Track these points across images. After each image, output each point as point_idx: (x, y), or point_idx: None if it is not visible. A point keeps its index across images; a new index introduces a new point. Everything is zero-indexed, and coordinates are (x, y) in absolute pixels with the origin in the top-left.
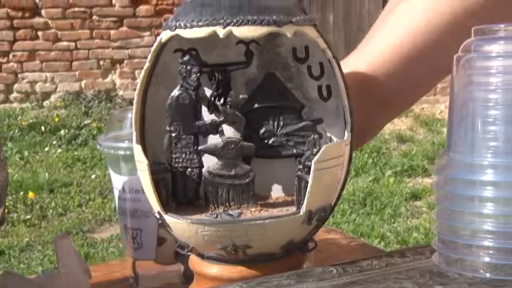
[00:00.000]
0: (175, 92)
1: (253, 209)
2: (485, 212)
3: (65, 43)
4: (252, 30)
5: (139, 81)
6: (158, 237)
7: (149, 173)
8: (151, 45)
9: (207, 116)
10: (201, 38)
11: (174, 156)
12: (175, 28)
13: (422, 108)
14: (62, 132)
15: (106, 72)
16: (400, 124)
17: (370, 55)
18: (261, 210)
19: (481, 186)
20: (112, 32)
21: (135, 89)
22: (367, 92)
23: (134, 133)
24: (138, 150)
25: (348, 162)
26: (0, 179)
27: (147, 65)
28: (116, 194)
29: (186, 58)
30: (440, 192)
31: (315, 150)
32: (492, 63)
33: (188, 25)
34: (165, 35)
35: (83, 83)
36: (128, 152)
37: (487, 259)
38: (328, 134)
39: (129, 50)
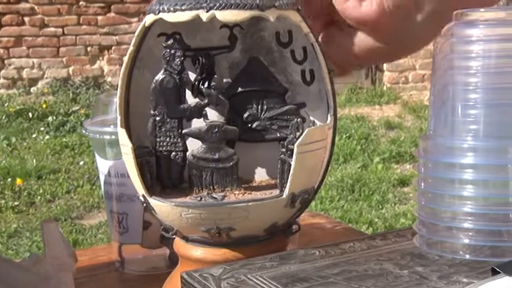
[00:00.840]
0: (159, 76)
1: (236, 192)
2: (465, 195)
3: (52, 29)
4: (235, 14)
5: (123, 65)
6: (144, 222)
7: (133, 156)
8: None
9: (191, 100)
10: (184, 21)
11: (158, 140)
12: (159, 12)
13: (411, 94)
14: (50, 118)
15: (94, 59)
16: (388, 111)
17: None
18: (245, 193)
19: (461, 169)
20: (99, 18)
21: None
22: None
23: (119, 117)
24: (122, 133)
25: (331, 145)
26: None
27: (131, 49)
28: (102, 178)
29: (169, 42)
30: (421, 175)
31: (298, 133)
32: (472, 47)
33: (171, 9)
34: (148, 19)
35: (70, 69)
36: (113, 137)
37: (466, 241)
38: (312, 118)
39: (117, 36)
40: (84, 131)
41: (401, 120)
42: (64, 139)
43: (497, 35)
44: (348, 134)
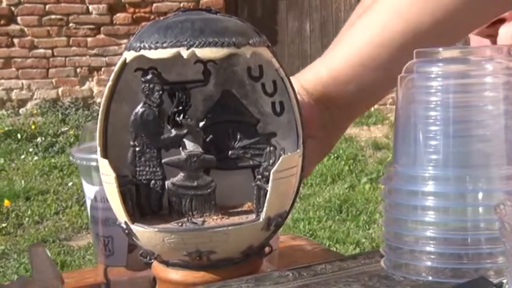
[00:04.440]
0: (139, 109)
1: (215, 217)
2: (426, 220)
3: (42, 50)
4: (214, 52)
5: (103, 98)
6: (129, 244)
7: (117, 185)
8: None
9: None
10: (165, 58)
11: (138, 169)
12: (140, 49)
13: None
14: (39, 139)
15: (83, 80)
16: (376, 131)
17: (333, 61)
18: (222, 218)
19: (422, 196)
20: (89, 39)
21: None
22: (329, 94)
23: (98, 148)
24: (104, 163)
25: (301, 172)
26: None
27: (109, 83)
28: (88, 203)
29: (148, 77)
30: (386, 202)
31: (271, 161)
32: (432, 83)
33: (153, 46)
34: (129, 56)
35: (59, 90)
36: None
37: (429, 263)
38: (282, 146)
39: (107, 58)
40: (71, 158)
41: (388, 140)
42: (53, 160)
43: (454, 72)
44: (336, 155)
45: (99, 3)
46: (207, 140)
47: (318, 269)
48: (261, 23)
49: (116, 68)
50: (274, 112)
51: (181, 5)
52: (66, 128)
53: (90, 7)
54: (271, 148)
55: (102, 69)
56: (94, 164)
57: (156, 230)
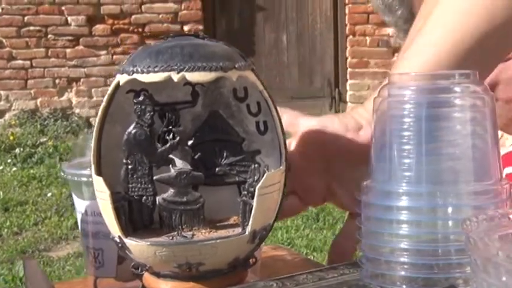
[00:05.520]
0: (132, 129)
1: (203, 231)
2: (401, 233)
3: (20, 61)
4: (203, 75)
5: (97, 119)
6: (118, 256)
7: (111, 202)
8: (108, 64)
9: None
10: (156, 82)
11: (130, 185)
12: (133, 73)
13: None
14: (17, 150)
15: (62, 91)
16: None
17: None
18: (210, 231)
19: (397, 210)
20: (68, 50)
21: (91, 107)
22: None
23: (93, 166)
24: (99, 181)
25: (283, 187)
26: None
27: (103, 104)
28: (79, 217)
29: (141, 99)
30: (363, 215)
31: (256, 177)
32: (405, 106)
33: (145, 70)
34: (122, 79)
35: (38, 101)
36: (90, 179)
37: (403, 273)
38: (266, 163)
39: (86, 69)
40: (62, 173)
41: None
42: (31, 171)
43: (425, 96)
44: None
45: (78, 15)
46: (196, 157)
47: (300, 278)
48: (239, 34)
49: (109, 90)
50: (258, 131)
51: (160, 16)
52: (45, 139)
53: (69, 18)
54: (256, 165)
55: (81, 80)
56: (84, 179)
57: (148, 243)
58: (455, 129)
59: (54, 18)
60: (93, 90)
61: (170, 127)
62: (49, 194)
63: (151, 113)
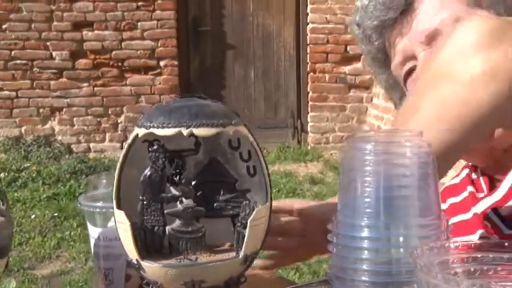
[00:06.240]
0: (147, 172)
1: (205, 255)
2: (363, 257)
3: (6, 92)
4: (206, 131)
5: (118, 163)
6: (126, 275)
7: (131, 232)
8: (89, 95)
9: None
10: (170, 135)
11: (145, 218)
12: (150, 127)
13: (331, 154)
14: (2, 175)
15: (45, 119)
16: (312, 168)
17: None
18: (211, 255)
19: (360, 240)
20: (52, 82)
21: (72, 135)
22: None
23: (114, 201)
24: (120, 214)
25: (269, 219)
26: (8, 232)
27: (123, 152)
28: (92, 241)
29: (155, 147)
30: (333, 243)
31: (247, 212)
32: (366, 157)
33: (160, 126)
34: (141, 132)
35: (23, 129)
36: (103, 210)
37: None
38: (255, 200)
39: (68, 99)
40: (79, 205)
41: (323, 176)
42: (16, 194)
43: (382, 149)
44: (277, 189)
45: (62, 50)
46: (198, 195)
47: None
48: (211, 70)
49: (129, 140)
50: (248, 174)
51: (138, 52)
52: (29, 164)
53: (54, 53)
54: (247, 201)
55: (64, 109)
56: (98, 210)
57: (161, 265)
58: (405, 175)
59: (40, 52)
60: (74, 119)
61: (177, 170)
62: (33, 216)
63: (163, 159)
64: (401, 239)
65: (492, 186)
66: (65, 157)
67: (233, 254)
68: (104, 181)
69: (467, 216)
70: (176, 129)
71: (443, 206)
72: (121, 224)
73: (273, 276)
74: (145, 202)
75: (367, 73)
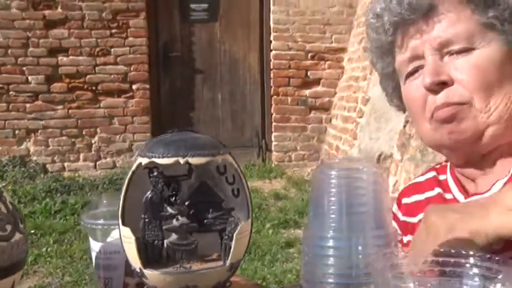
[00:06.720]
0: (148, 194)
1: (197, 264)
2: (329, 263)
3: None
4: (200, 160)
5: (123, 187)
6: (124, 283)
7: (136, 245)
8: (64, 117)
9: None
10: (168, 164)
11: (147, 233)
12: (152, 157)
13: (294, 171)
14: None
15: (21, 141)
16: (276, 184)
17: None
18: (202, 264)
19: (327, 248)
20: (28, 105)
21: (47, 155)
22: None
23: (120, 219)
24: (126, 230)
25: (250, 233)
26: (25, 247)
27: (128, 177)
28: (94, 254)
29: (155, 174)
30: (304, 252)
31: (232, 226)
32: (331, 181)
33: (160, 156)
34: (143, 161)
35: None
36: (104, 227)
37: None
38: (238, 217)
39: (44, 121)
40: (82, 222)
41: (286, 192)
42: None
43: (344, 174)
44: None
45: (38, 74)
46: (191, 213)
47: None
48: (180, 93)
49: (133, 167)
50: (233, 195)
51: (112, 76)
52: (4, 184)
53: (30, 77)
54: (232, 218)
55: (39, 131)
56: (99, 227)
57: (160, 272)
58: (362, 195)
59: (16, 77)
60: (49, 140)
61: (174, 192)
62: None
63: (162, 183)
64: (360, 247)
65: (463, 189)
66: (40, 176)
67: (221, 262)
68: (104, 201)
69: None
70: (174, 159)
71: (408, 201)
72: (126, 238)
73: (249, 283)
74: (146, 220)
75: (326, 96)
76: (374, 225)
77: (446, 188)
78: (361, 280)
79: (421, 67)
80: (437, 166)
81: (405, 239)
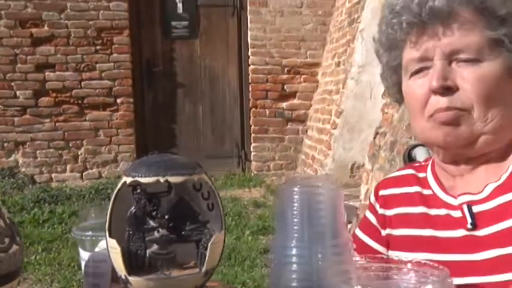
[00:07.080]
0: (132, 209)
1: (176, 271)
2: (292, 269)
3: None
4: (178, 178)
5: (110, 202)
6: None
7: (121, 254)
8: (51, 130)
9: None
10: (150, 183)
11: (131, 244)
12: (136, 176)
13: (272, 180)
14: None
15: (10, 153)
16: (255, 193)
17: None
18: (180, 271)
19: (290, 257)
20: (16, 119)
21: (35, 166)
22: None
23: (107, 232)
24: (112, 241)
25: (223, 242)
26: (21, 258)
27: (114, 193)
28: (83, 263)
29: (138, 191)
30: (270, 259)
31: (207, 237)
32: (294, 196)
33: (143, 175)
34: (128, 179)
35: None
36: (93, 238)
37: None
38: (213, 229)
39: (32, 134)
40: (72, 234)
41: (265, 200)
42: None
43: (304, 190)
44: (224, 212)
45: (26, 89)
46: (170, 226)
47: None
48: (163, 106)
49: (118, 186)
50: (208, 209)
51: (97, 91)
52: None
53: (18, 92)
54: (207, 230)
55: (27, 143)
56: (88, 238)
57: (143, 279)
58: (321, 208)
59: (5, 92)
60: (37, 152)
61: (155, 207)
62: None
63: (144, 199)
64: (320, 255)
65: (443, 186)
66: (28, 187)
67: (197, 269)
68: (93, 214)
69: (415, 210)
70: (155, 178)
71: (385, 193)
72: (112, 248)
73: (226, 286)
74: (131, 232)
75: (302, 108)
76: (331, 235)
77: (425, 184)
78: (321, 283)
79: (427, 67)
80: (416, 164)
81: (383, 232)
